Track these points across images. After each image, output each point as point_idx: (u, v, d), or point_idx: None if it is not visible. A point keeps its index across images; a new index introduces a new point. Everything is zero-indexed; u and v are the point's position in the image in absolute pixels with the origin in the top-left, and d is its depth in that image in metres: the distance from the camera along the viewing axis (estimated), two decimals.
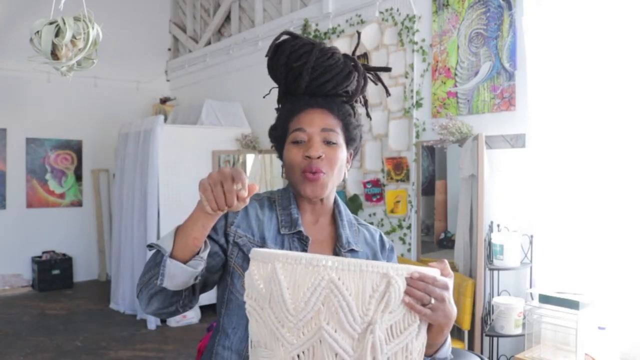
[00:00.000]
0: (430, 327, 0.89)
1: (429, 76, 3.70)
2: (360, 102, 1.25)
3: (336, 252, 1.14)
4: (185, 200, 4.81)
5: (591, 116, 2.80)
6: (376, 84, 1.26)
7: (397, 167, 3.93)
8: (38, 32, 2.12)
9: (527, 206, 3.08)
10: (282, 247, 1.11)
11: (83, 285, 6.38)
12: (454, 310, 0.90)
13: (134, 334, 4.47)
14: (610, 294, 2.66)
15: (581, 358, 2.55)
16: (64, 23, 2.11)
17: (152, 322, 4.65)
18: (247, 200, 0.94)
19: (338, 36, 4.40)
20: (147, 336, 4.43)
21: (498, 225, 3.17)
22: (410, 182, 3.85)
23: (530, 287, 3.00)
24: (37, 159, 6.33)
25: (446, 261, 0.93)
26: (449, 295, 0.88)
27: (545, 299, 2.71)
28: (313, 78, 1.11)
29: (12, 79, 6.01)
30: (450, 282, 0.90)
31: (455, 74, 3.51)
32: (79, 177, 6.61)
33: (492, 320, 2.98)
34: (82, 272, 6.57)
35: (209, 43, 6.35)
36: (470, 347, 3.09)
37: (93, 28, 2.18)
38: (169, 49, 7.15)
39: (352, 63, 1.14)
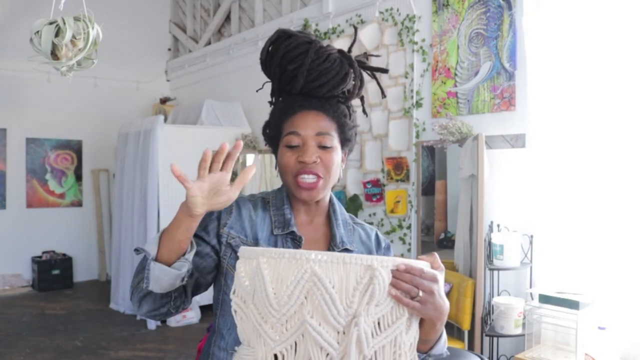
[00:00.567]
0: (422, 322, 0.88)
1: (429, 76, 3.70)
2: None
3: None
4: None
5: (591, 116, 2.80)
6: (373, 77, 1.24)
7: (397, 167, 3.93)
8: (38, 32, 2.12)
9: (527, 206, 3.08)
10: (274, 247, 1.10)
11: (83, 285, 6.38)
12: (445, 303, 0.88)
13: (134, 334, 4.47)
14: (610, 294, 2.66)
15: (581, 358, 2.54)
16: (64, 23, 2.11)
17: (152, 322, 4.65)
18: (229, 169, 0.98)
19: (338, 36, 4.40)
20: (147, 336, 4.43)
21: (498, 225, 3.16)
22: (410, 182, 3.85)
23: (530, 287, 3.00)
24: (37, 159, 6.33)
25: (436, 254, 0.92)
26: (439, 288, 0.86)
27: (545, 299, 2.71)
28: (308, 81, 1.08)
29: (12, 79, 6.01)
30: (440, 275, 0.88)
31: (455, 74, 3.51)
32: (79, 177, 6.61)
33: (492, 320, 2.98)
34: (82, 272, 6.57)
35: (209, 43, 6.35)
36: (470, 347, 3.09)
37: (93, 28, 2.18)
38: (169, 49, 7.15)
39: (349, 62, 1.11)
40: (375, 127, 4.07)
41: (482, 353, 3.02)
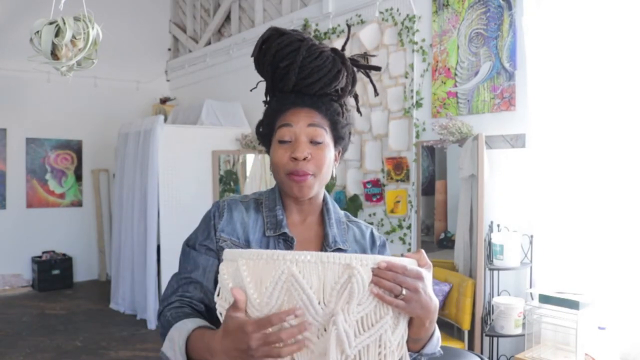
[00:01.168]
0: (411, 321, 0.87)
1: (429, 76, 3.70)
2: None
3: (323, 252, 1.12)
4: (185, 200, 4.82)
5: (591, 116, 2.80)
6: (367, 75, 1.22)
7: (397, 167, 3.93)
8: (38, 32, 2.13)
9: (527, 206, 3.08)
10: (267, 249, 1.09)
11: (83, 285, 6.38)
12: (433, 301, 0.87)
13: (134, 334, 4.47)
14: (610, 294, 2.66)
15: (581, 358, 2.54)
16: (64, 23, 2.11)
17: (152, 322, 4.65)
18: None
19: (338, 36, 4.40)
20: (147, 336, 4.43)
21: (498, 225, 3.17)
22: (410, 182, 3.85)
23: (530, 287, 3.00)
24: (37, 159, 6.33)
25: (423, 251, 0.90)
26: (424, 286, 0.85)
27: (545, 299, 2.71)
28: (300, 78, 1.07)
29: (12, 79, 6.01)
30: (427, 272, 0.87)
31: (455, 74, 3.51)
32: (79, 177, 6.61)
33: (492, 320, 2.98)
34: (82, 272, 6.57)
35: (209, 43, 6.35)
36: (470, 347, 3.09)
37: (93, 28, 2.18)
38: (169, 49, 7.15)
39: (341, 60, 1.10)
40: (375, 127, 4.06)
41: (482, 353, 3.03)
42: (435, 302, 0.88)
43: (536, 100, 3.01)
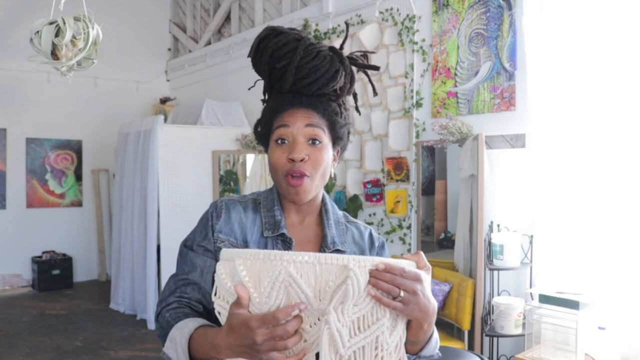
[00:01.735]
0: (409, 323, 0.86)
1: (429, 76, 3.70)
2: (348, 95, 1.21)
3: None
4: (185, 200, 4.82)
5: (591, 116, 2.80)
6: (366, 75, 1.22)
7: (397, 167, 3.93)
8: (38, 32, 2.13)
9: (527, 206, 3.08)
10: (265, 249, 1.08)
11: (83, 285, 6.38)
12: (431, 303, 0.86)
13: (134, 334, 4.47)
14: (610, 294, 2.66)
15: (581, 358, 2.54)
16: (64, 23, 2.11)
17: (152, 322, 4.65)
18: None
19: (338, 36, 4.40)
20: (147, 336, 4.42)
21: (498, 225, 3.17)
22: (410, 182, 3.85)
23: (530, 287, 3.00)
24: (37, 159, 6.33)
25: (422, 253, 0.89)
26: (423, 288, 0.84)
27: (545, 299, 2.71)
28: (297, 79, 1.06)
29: (12, 79, 6.01)
30: (425, 274, 0.86)
31: (455, 74, 3.51)
32: (79, 177, 6.61)
33: (492, 320, 2.98)
34: (82, 272, 6.57)
35: (209, 43, 6.35)
36: (470, 347, 3.09)
37: (93, 28, 2.18)
38: (169, 49, 7.15)
39: (339, 60, 1.09)
40: (375, 127, 4.07)
41: (482, 353, 3.02)
42: (434, 304, 0.87)
43: (536, 100, 3.01)
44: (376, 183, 4.09)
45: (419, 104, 3.75)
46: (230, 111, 5.44)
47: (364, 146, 4.14)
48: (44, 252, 6.27)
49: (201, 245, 1.09)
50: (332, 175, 1.15)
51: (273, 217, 1.11)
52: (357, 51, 1.18)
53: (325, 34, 4.52)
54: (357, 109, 1.21)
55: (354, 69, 1.14)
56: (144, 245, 4.75)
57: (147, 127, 4.82)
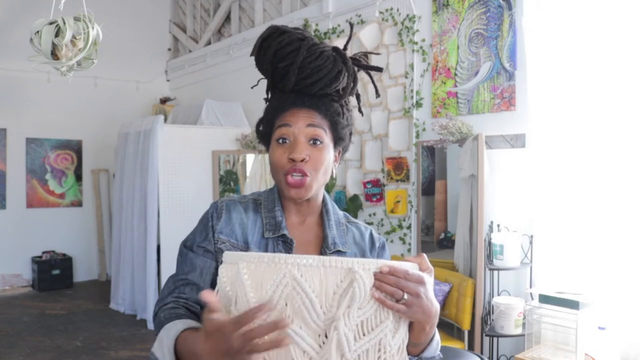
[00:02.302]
0: (411, 325, 0.86)
1: (429, 76, 3.70)
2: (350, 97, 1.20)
3: (322, 254, 1.10)
4: (185, 200, 4.82)
5: (591, 116, 2.80)
6: (369, 75, 1.22)
7: (397, 167, 3.93)
8: (38, 32, 2.13)
9: (527, 206, 3.08)
10: (266, 250, 1.08)
11: (83, 285, 6.38)
12: (434, 306, 0.86)
13: (134, 334, 4.47)
14: (610, 294, 2.66)
15: (581, 358, 2.54)
16: (64, 23, 2.11)
17: (152, 322, 4.65)
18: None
19: (338, 36, 4.40)
20: (147, 336, 4.42)
21: (498, 225, 3.17)
22: (410, 182, 3.85)
23: (530, 287, 3.00)
24: (37, 159, 6.33)
25: (424, 255, 0.89)
26: (426, 290, 0.84)
27: (545, 299, 2.71)
28: (300, 79, 1.06)
29: (12, 79, 6.01)
30: (428, 276, 0.86)
31: (455, 74, 3.51)
32: (79, 177, 6.61)
33: (492, 320, 2.98)
34: (82, 272, 6.57)
35: (209, 43, 6.35)
36: (470, 347, 3.09)
37: (93, 28, 2.18)
38: (169, 49, 7.15)
39: (342, 60, 1.09)
40: (375, 127, 4.07)
41: (482, 353, 3.03)
42: (436, 306, 0.88)
43: (536, 100, 3.01)
44: (376, 183, 4.09)
45: (419, 104, 3.75)
46: (230, 111, 5.44)
47: (364, 146, 4.15)
48: (44, 252, 6.27)
49: (201, 246, 1.08)
50: (334, 176, 1.15)
51: (274, 217, 1.11)
52: (361, 52, 1.18)
53: (325, 34, 4.52)
54: (359, 109, 1.21)
55: (356, 69, 1.14)
56: (144, 245, 4.75)
57: (147, 127, 4.82)
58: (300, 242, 1.11)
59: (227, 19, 6.15)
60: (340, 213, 1.20)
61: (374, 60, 4.06)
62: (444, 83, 3.58)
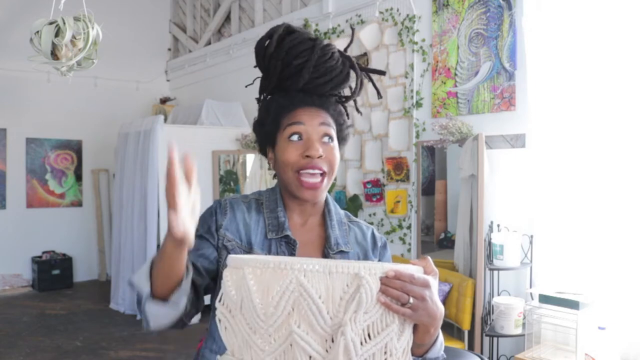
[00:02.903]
0: (416, 327, 0.87)
1: (429, 76, 3.70)
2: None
3: (325, 254, 1.11)
4: None
5: (591, 116, 2.80)
6: (369, 78, 1.23)
7: (397, 167, 3.93)
8: (38, 32, 2.13)
9: (527, 206, 3.08)
10: (269, 252, 1.08)
11: (83, 285, 6.38)
12: (438, 309, 0.87)
13: (134, 334, 4.47)
14: (610, 294, 2.66)
15: (581, 358, 2.54)
16: (64, 23, 2.11)
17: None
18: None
19: (338, 36, 4.40)
20: (147, 336, 4.42)
21: (498, 225, 3.16)
22: (410, 182, 3.85)
23: (530, 287, 3.00)
24: (37, 159, 6.33)
25: (429, 258, 0.90)
26: (431, 294, 0.85)
27: (545, 299, 2.71)
28: (313, 77, 1.07)
29: (12, 79, 6.01)
30: (433, 279, 0.87)
31: (455, 74, 3.51)
32: (79, 177, 6.61)
33: (492, 320, 2.98)
34: (82, 272, 6.57)
35: (209, 43, 6.35)
36: (470, 347, 3.09)
37: (93, 28, 2.18)
38: (169, 49, 7.15)
39: (349, 63, 1.11)
40: (375, 127, 4.06)
41: (482, 353, 3.02)
42: (441, 309, 0.88)
43: (536, 100, 3.01)
44: (376, 183, 4.09)
45: (419, 104, 3.75)
46: (230, 111, 5.44)
47: (364, 146, 4.14)
48: (44, 252, 6.27)
49: (204, 236, 1.08)
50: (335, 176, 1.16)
51: (276, 218, 1.11)
52: (359, 55, 1.20)
53: (325, 34, 4.52)
54: (357, 109, 1.21)
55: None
56: (144, 245, 4.75)
57: (147, 127, 4.82)
58: (303, 242, 1.11)
59: (227, 19, 6.15)
60: (342, 212, 1.21)
61: (372, 60, 4.06)
62: (444, 83, 3.58)
